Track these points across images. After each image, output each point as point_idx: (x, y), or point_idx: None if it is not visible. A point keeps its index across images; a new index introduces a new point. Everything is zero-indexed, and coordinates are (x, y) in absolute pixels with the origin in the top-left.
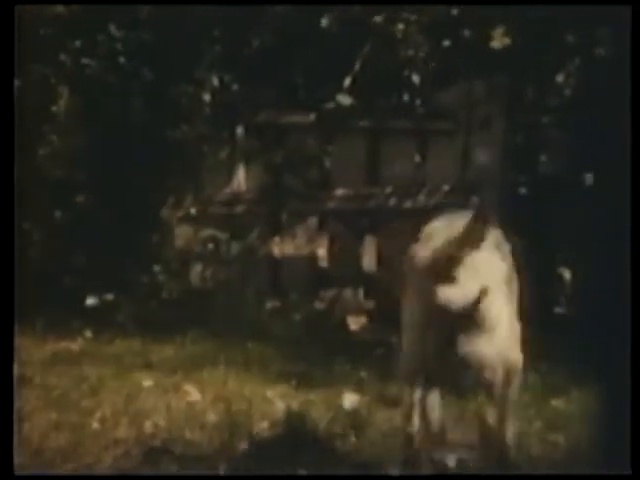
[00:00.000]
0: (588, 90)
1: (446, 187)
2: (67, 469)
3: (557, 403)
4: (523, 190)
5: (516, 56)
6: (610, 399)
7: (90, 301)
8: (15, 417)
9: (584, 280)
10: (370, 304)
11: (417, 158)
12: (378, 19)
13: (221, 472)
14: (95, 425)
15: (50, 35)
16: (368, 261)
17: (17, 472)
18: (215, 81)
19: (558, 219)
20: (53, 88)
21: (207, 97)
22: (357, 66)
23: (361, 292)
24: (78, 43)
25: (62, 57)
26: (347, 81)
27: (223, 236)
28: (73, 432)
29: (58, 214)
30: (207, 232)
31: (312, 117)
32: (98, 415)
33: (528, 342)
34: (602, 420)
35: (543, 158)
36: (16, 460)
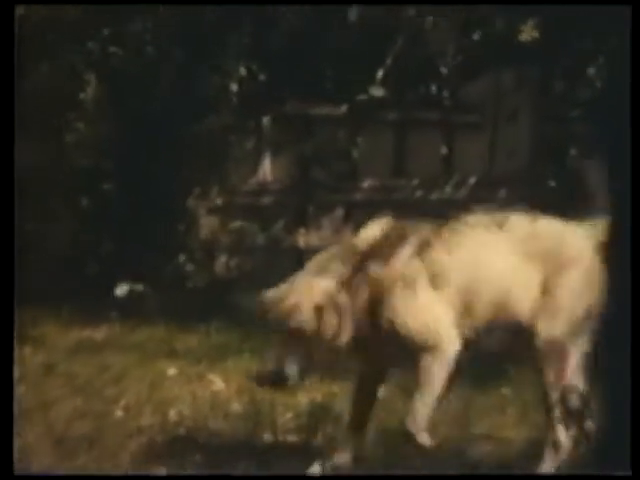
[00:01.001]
0: (618, 84)
1: (473, 179)
2: (91, 457)
3: None
4: (552, 183)
5: (545, 48)
6: (610, 399)
7: (120, 291)
8: (39, 405)
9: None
10: None
11: (444, 150)
12: (410, 12)
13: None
14: (119, 413)
15: (79, 22)
16: None
17: (42, 458)
18: (243, 71)
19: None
20: (80, 76)
21: (234, 87)
22: (389, 59)
23: None
24: (106, 31)
25: (90, 45)
26: (380, 73)
27: (249, 226)
28: (97, 420)
29: (85, 202)
30: (232, 222)
31: (343, 109)
32: (122, 403)
33: None
34: (602, 420)
35: (572, 151)
36: (38, 448)
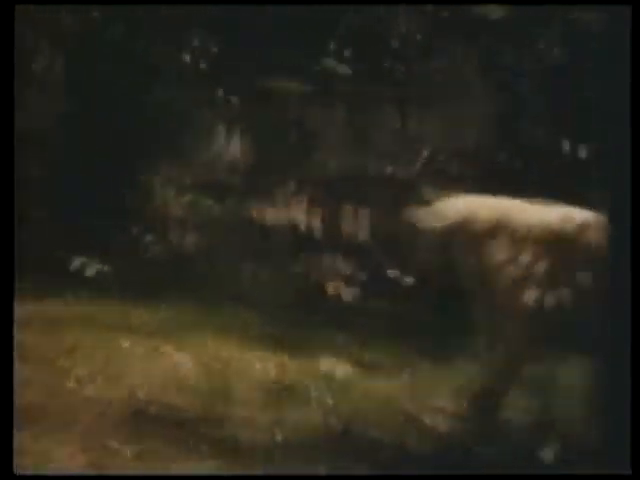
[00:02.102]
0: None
1: (428, 154)
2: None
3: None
4: (504, 157)
5: (496, 23)
6: (610, 400)
7: (74, 265)
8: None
9: None
10: (348, 269)
11: (399, 125)
12: None
13: (199, 434)
14: (71, 384)
15: None
16: (347, 227)
17: None
18: (197, 43)
19: (538, 186)
20: (34, 46)
21: (191, 60)
22: (342, 31)
23: (340, 257)
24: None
25: (46, 15)
26: (332, 46)
27: (204, 200)
28: (49, 391)
29: (36, 173)
30: (188, 196)
31: (296, 82)
32: (75, 374)
33: None
34: (602, 420)
35: (524, 126)
36: None
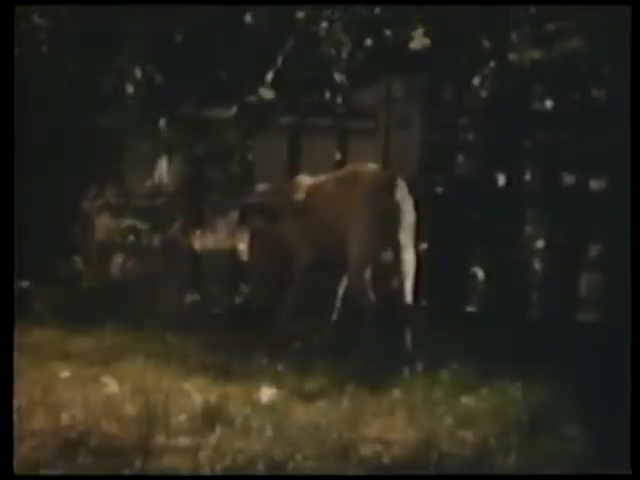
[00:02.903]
0: (502, 93)
1: None
2: None
3: (467, 400)
4: (439, 189)
5: (434, 57)
6: (610, 400)
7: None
8: None
9: (496, 279)
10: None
11: (338, 155)
12: (301, 16)
13: (137, 465)
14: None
15: None
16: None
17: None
18: (138, 73)
19: (472, 219)
20: None
21: (130, 89)
22: (279, 61)
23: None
24: None
25: None
26: (269, 76)
27: (144, 228)
28: None
29: None
30: (128, 224)
31: (234, 110)
32: (14, 405)
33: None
34: (602, 420)
35: (460, 159)
36: None
